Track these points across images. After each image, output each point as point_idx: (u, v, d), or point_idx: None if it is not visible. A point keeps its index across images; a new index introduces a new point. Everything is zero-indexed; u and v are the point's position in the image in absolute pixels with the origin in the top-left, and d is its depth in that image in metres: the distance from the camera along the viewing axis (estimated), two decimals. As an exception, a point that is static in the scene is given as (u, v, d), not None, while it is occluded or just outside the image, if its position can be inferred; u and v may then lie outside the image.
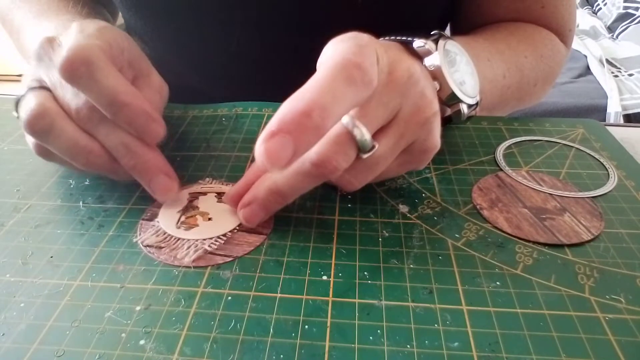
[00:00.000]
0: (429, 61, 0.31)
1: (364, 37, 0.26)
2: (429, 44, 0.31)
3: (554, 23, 0.48)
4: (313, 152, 0.26)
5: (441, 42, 0.32)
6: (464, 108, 0.33)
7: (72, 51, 0.29)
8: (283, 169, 0.23)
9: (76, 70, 0.28)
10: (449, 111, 0.34)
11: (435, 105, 0.29)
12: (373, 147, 0.27)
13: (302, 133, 0.23)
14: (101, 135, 0.30)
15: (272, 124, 0.23)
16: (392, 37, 0.33)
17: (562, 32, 0.49)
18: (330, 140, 0.26)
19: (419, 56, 0.32)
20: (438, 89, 0.32)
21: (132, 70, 0.34)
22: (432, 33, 0.33)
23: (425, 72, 0.31)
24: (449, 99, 0.32)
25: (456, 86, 0.32)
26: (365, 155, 0.27)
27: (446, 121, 0.34)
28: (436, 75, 0.31)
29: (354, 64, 0.24)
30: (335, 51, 0.26)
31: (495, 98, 0.42)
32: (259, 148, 0.23)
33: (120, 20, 0.58)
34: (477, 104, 0.35)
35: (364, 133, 0.26)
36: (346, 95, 0.24)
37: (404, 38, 0.32)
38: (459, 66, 0.33)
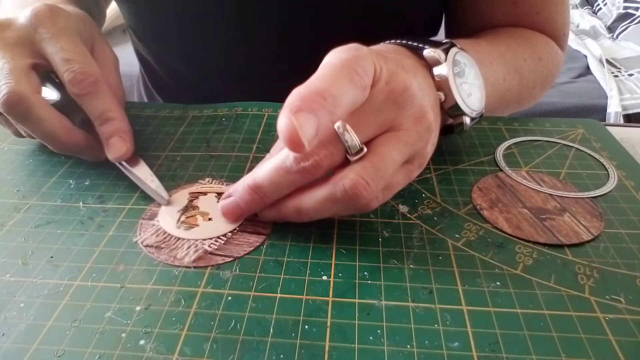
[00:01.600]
0: (437, 71, 0.31)
1: (363, 49, 0.27)
2: (439, 53, 0.31)
3: (548, 28, 0.48)
4: None
5: (451, 52, 0.32)
6: (466, 120, 0.33)
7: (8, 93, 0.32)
8: (306, 149, 0.23)
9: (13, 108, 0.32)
10: (450, 121, 0.34)
11: (431, 119, 0.28)
12: (361, 149, 0.26)
13: (322, 114, 0.23)
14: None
15: (294, 101, 0.23)
16: (404, 42, 0.33)
17: (557, 37, 0.49)
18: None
19: (427, 64, 0.32)
20: (443, 99, 0.32)
21: (87, 46, 0.36)
22: (443, 42, 0.33)
23: (429, 82, 0.31)
24: (453, 110, 0.32)
25: (461, 99, 0.32)
26: (353, 158, 0.26)
27: (448, 130, 0.34)
28: (442, 85, 0.31)
29: (352, 68, 0.25)
30: (334, 58, 0.26)
31: (496, 101, 0.42)
32: (285, 122, 0.22)
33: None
34: (481, 116, 0.35)
35: (352, 135, 0.26)
36: (349, 91, 0.24)
37: (414, 44, 0.32)
38: (468, 78, 0.33)
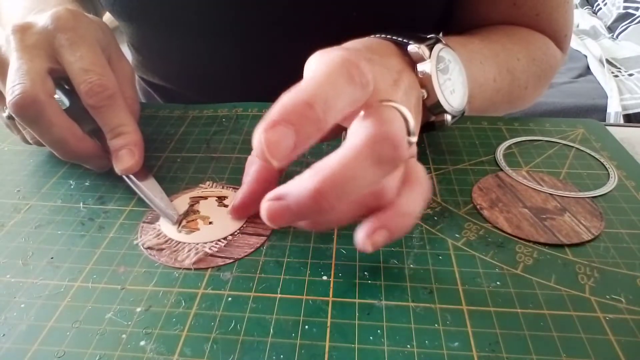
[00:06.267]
0: (420, 67, 0.31)
1: (352, 49, 0.26)
2: (423, 50, 0.31)
3: (548, 29, 0.48)
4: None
5: (436, 49, 0.32)
6: (447, 117, 0.33)
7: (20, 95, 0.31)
8: (280, 164, 0.21)
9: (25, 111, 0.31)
10: (433, 118, 0.34)
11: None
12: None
13: (305, 124, 0.21)
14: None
15: (273, 114, 0.21)
16: (387, 36, 0.33)
17: (558, 38, 0.49)
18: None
19: (411, 59, 0.32)
20: (425, 96, 0.32)
21: (105, 55, 0.36)
22: (428, 37, 0.33)
23: (413, 81, 0.31)
24: (435, 108, 0.32)
25: (443, 97, 0.32)
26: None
27: (430, 127, 0.35)
28: (425, 82, 0.31)
29: (351, 63, 0.23)
30: (328, 55, 0.24)
31: (485, 101, 0.42)
32: (258, 137, 0.21)
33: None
34: (462, 114, 0.35)
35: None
36: (346, 91, 0.23)
37: (399, 39, 0.32)
38: (452, 74, 0.33)
